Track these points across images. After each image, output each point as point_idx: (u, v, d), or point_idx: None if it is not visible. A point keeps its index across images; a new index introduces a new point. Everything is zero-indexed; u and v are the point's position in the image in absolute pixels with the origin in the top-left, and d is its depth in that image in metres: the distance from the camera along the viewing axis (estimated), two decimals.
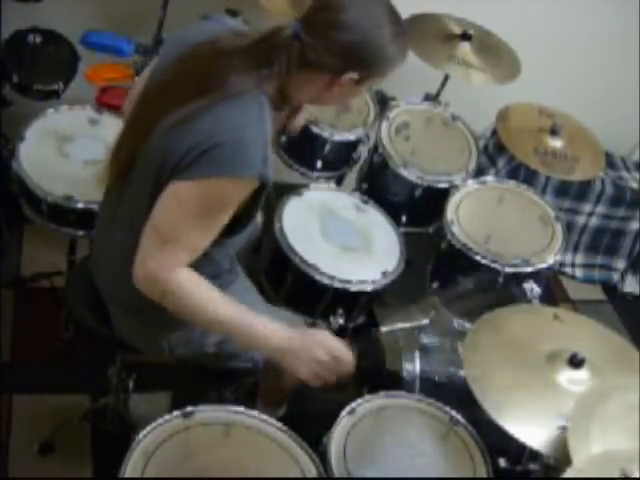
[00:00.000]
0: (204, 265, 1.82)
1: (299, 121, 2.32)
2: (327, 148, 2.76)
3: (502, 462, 2.02)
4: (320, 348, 1.75)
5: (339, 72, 1.67)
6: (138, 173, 1.77)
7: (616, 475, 1.53)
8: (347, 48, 1.64)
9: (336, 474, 1.80)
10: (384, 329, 2.38)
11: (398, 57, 1.71)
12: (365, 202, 2.59)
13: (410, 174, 2.69)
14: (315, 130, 2.70)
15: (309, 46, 1.63)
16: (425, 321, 2.43)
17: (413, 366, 2.31)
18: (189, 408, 1.79)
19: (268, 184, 1.66)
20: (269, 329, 1.74)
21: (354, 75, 1.67)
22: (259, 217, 2.39)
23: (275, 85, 1.67)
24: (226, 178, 1.62)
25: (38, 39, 2.76)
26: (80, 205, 2.30)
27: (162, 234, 1.67)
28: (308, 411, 2.43)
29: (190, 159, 1.62)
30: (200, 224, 1.66)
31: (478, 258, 2.48)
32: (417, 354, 2.33)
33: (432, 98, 3.06)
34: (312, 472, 1.75)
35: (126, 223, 1.83)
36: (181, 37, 1.81)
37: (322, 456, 1.80)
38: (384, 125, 2.82)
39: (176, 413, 1.78)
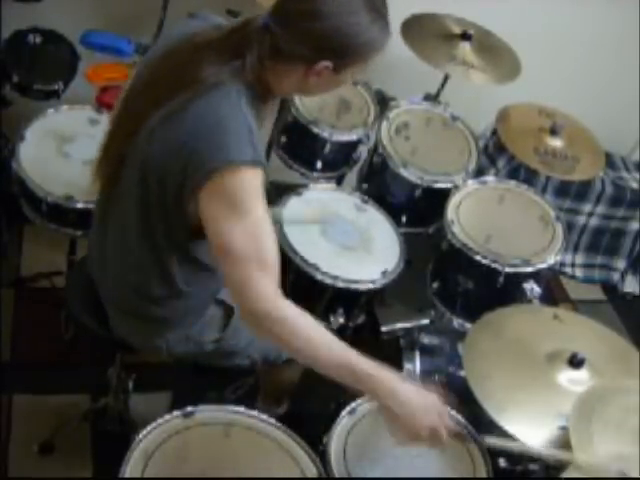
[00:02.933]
0: (196, 267, 1.83)
1: None
2: (327, 148, 2.76)
3: (502, 462, 2.02)
4: (424, 423, 1.63)
5: (311, 61, 1.63)
6: (125, 173, 1.76)
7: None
8: (316, 37, 1.61)
9: (336, 474, 1.79)
10: (384, 329, 2.38)
11: (378, 42, 1.66)
12: (365, 202, 2.59)
13: (410, 174, 2.70)
14: (315, 130, 2.70)
15: (279, 37, 1.61)
16: (425, 321, 2.44)
17: (413, 366, 2.31)
18: (189, 408, 1.79)
19: (264, 167, 1.62)
20: (377, 378, 1.62)
21: (328, 63, 1.63)
22: None
23: (252, 76, 1.65)
24: (229, 170, 1.57)
25: (38, 39, 2.76)
26: (80, 205, 2.31)
27: (225, 252, 1.60)
28: (308, 411, 2.43)
29: (183, 161, 1.60)
30: (246, 223, 1.58)
31: (478, 258, 2.48)
32: (417, 354, 2.34)
33: (432, 98, 3.06)
34: (312, 472, 1.75)
35: (117, 224, 1.83)
36: (166, 36, 1.82)
37: (322, 456, 1.80)
38: (384, 125, 2.82)
39: (176, 413, 1.78)
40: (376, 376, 1.61)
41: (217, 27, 1.73)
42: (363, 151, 2.92)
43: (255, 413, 1.82)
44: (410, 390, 1.64)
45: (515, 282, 2.49)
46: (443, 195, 2.68)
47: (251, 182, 1.60)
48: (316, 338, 1.62)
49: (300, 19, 1.61)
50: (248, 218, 1.59)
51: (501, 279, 2.48)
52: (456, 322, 2.60)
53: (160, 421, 1.75)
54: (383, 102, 2.90)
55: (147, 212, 1.73)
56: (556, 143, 2.79)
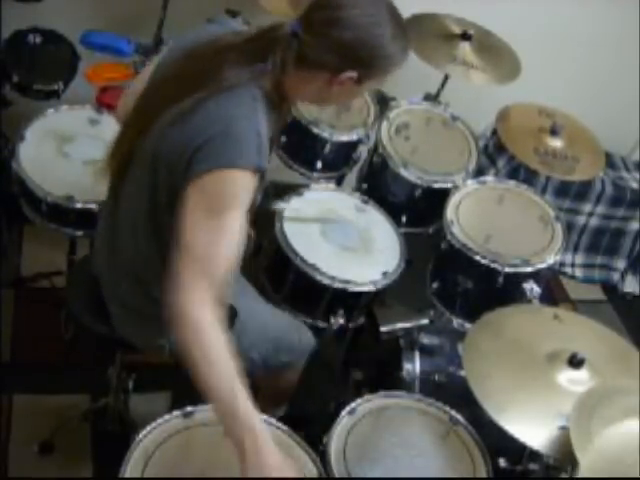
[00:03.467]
0: None
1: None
2: (327, 148, 2.76)
3: (502, 462, 2.02)
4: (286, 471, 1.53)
5: (338, 70, 1.65)
6: (135, 170, 1.77)
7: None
8: (345, 46, 1.63)
9: (336, 474, 1.80)
10: (384, 329, 2.38)
11: (398, 57, 1.70)
12: (365, 202, 2.59)
13: (410, 174, 2.70)
14: (315, 130, 2.70)
15: (307, 44, 1.63)
16: (425, 321, 2.43)
17: (413, 366, 2.31)
18: (189, 408, 1.79)
19: (264, 173, 1.63)
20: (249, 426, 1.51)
21: (353, 74, 1.66)
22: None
23: (271, 82, 1.66)
24: (219, 171, 1.58)
25: (38, 39, 2.76)
26: (80, 205, 2.30)
27: (191, 251, 1.58)
28: (308, 411, 2.43)
29: (185, 160, 1.61)
30: (212, 225, 1.58)
31: (478, 258, 2.48)
32: (417, 354, 2.34)
33: (432, 98, 3.06)
34: (312, 472, 1.75)
35: (126, 222, 1.83)
36: (183, 39, 1.81)
37: (322, 456, 1.80)
38: (384, 125, 2.82)
39: (176, 413, 1.78)
40: (248, 431, 1.50)
41: (237, 32, 1.74)
42: (363, 151, 2.92)
43: None
44: (270, 460, 1.51)
45: (515, 282, 2.49)
46: (443, 195, 2.68)
47: (243, 187, 1.61)
48: (214, 357, 1.54)
49: (330, 27, 1.62)
50: (221, 221, 1.58)
51: (501, 279, 2.48)
52: (456, 322, 2.60)
53: (160, 421, 1.76)
54: (383, 102, 2.90)
55: (156, 210, 1.74)
56: (556, 143, 2.79)
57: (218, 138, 1.59)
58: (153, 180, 1.71)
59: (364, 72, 1.68)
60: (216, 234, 1.58)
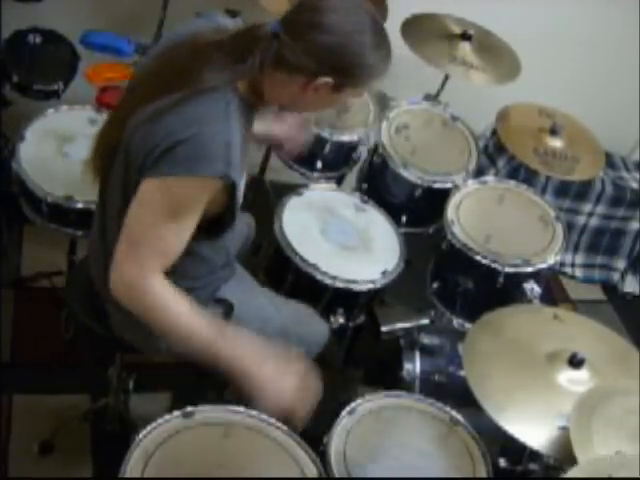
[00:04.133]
0: (197, 264, 1.84)
1: (299, 137, 2.30)
2: (327, 148, 2.76)
3: (502, 462, 2.02)
4: (294, 377, 1.73)
5: (314, 75, 1.63)
6: (114, 170, 1.77)
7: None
8: (324, 50, 1.61)
9: (336, 474, 1.80)
10: (384, 329, 2.39)
11: (378, 67, 1.67)
12: (365, 202, 2.59)
13: (410, 174, 2.70)
14: (315, 130, 2.70)
15: (286, 45, 1.61)
16: (425, 321, 2.44)
17: (413, 366, 2.31)
18: (189, 408, 1.79)
19: (234, 183, 1.63)
20: (241, 349, 1.71)
21: (329, 80, 1.64)
22: (251, 219, 2.38)
23: (248, 82, 1.66)
24: (185, 177, 1.59)
25: (38, 39, 2.76)
26: (80, 205, 2.31)
27: (132, 237, 1.65)
28: None
29: (153, 158, 1.61)
30: (168, 225, 1.63)
31: (478, 258, 2.48)
32: (417, 354, 2.34)
33: (432, 98, 3.06)
34: (312, 472, 1.75)
35: (112, 222, 1.82)
36: (171, 35, 1.81)
37: (322, 456, 1.80)
38: (384, 125, 2.82)
39: (176, 413, 1.78)
40: (238, 358, 1.69)
41: (218, 28, 1.73)
42: (363, 151, 2.92)
43: (255, 413, 1.82)
44: (267, 373, 1.70)
45: (515, 282, 2.49)
46: (443, 195, 2.68)
47: (202, 195, 1.63)
48: (188, 311, 1.68)
49: (311, 31, 1.61)
50: (175, 224, 1.63)
51: (501, 279, 2.48)
52: (456, 322, 2.60)
53: (160, 421, 1.75)
54: (383, 102, 2.90)
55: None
56: (556, 143, 2.79)
57: (189, 143, 1.58)
58: (126, 178, 1.71)
59: (341, 80, 1.65)
60: (169, 232, 1.64)
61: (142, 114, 1.66)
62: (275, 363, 1.72)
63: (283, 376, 1.72)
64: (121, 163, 1.73)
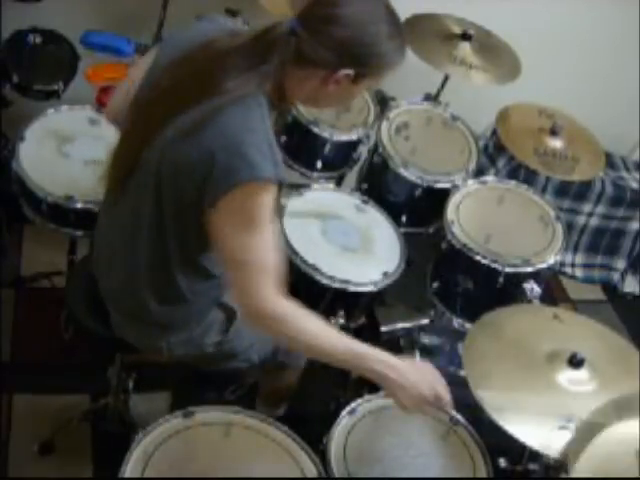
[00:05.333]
0: (200, 274, 1.84)
1: None
2: (327, 148, 2.76)
3: (502, 462, 2.02)
4: (427, 388, 1.75)
5: (334, 68, 1.65)
6: (138, 179, 1.75)
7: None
8: (342, 43, 1.63)
9: (336, 474, 1.80)
10: (384, 329, 2.38)
11: (394, 56, 1.69)
12: (365, 202, 2.59)
13: (410, 174, 2.70)
14: (315, 130, 2.70)
15: (305, 41, 1.62)
16: (425, 321, 2.44)
17: None
18: (189, 408, 1.79)
19: (282, 183, 1.65)
20: (377, 355, 1.74)
21: (349, 71, 1.65)
22: None
23: (272, 83, 1.66)
24: (242, 187, 1.59)
25: (38, 39, 2.75)
26: (80, 205, 2.30)
27: (237, 271, 1.67)
28: (308, 411, 2.43)
29: (202, 179, 1.61)
30: (254, 241, 1.64)
31: (478, 258, 2.48)
32: (417, 354, 2.34)
33: (432, 98, 3.06)
34: (312, 472, 1.76)
35: (126, 229, 1.81)
36: (175, 40, 1.80)
37: (322, 456, 1.80)
38: (384, 125, 2.82)
39: (176, 413, 1.78)
40: (375, 354, 1.73)
41: (232, 32, 1.73)
42: (363, 151, 2.92)
43: (255, 413, 1.82)
44: (406, 363, 1.76)
45: (515, 282, 2.49)
46: (443, 195, 2.68)
47: (268, 198, 1.63)
48: (319, 331, 1.71)
49: (328, 24, 1.62)
50: (260, 234, 1.64)
51: (501, 279, 2.48)
52: (456, 322, 2.60)
53: (160, 421, 1.76)
54: (383, 102, 2.90)
55: (160, 222, 1.73)
56: (556, 143, 2.79)
57: (233, 157, 1.59)
58: (157, 192, 1.70)
59: (360, 70, 1.67)
60: (263, 244, 1.65)
61: (172, 130, 1.65)
62: (395, 362, 1.75)
63: (408, 372, 1.75)
64: (150, 179, 1.71)
